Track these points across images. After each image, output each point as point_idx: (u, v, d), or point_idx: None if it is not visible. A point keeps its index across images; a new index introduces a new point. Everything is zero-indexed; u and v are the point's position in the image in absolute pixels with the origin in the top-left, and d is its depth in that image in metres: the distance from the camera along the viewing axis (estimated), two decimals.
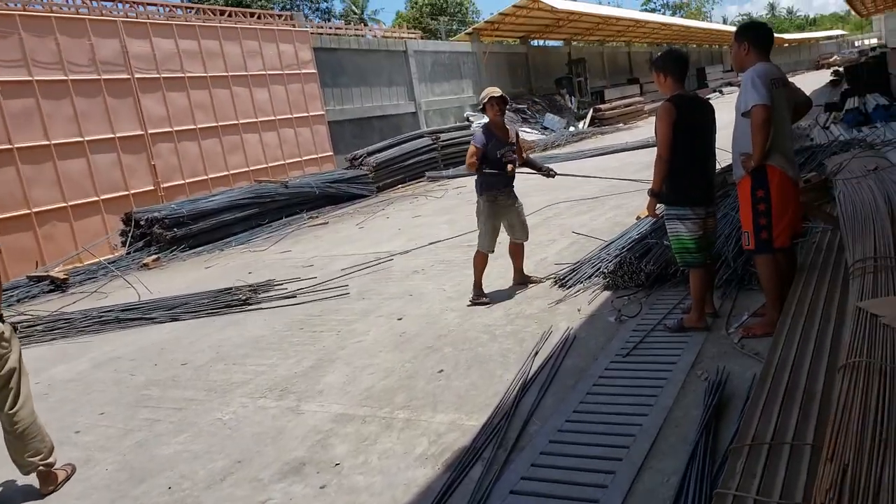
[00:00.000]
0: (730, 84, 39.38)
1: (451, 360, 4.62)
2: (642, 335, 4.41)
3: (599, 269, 5.93)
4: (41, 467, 3.64)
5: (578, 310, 5.21)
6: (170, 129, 13.63)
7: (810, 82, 31.60)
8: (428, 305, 5.99)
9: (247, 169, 15.10)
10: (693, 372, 3.76)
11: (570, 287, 5.79)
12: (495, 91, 5.71)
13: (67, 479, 3.76)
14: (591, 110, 26.11)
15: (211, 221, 11.83)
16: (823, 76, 33.96)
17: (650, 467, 2.92)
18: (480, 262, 5.92)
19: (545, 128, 24.23)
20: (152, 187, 13.19)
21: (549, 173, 6.05)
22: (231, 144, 14.97)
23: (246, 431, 4.04)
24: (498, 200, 5.87)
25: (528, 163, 6.10)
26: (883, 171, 5.79)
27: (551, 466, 3.07)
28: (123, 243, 11.44)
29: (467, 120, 22.45)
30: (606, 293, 5.47)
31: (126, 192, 12.63)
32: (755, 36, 4.01)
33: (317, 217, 13.04)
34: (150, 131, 13.19)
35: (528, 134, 22.41)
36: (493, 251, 5.97)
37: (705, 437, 2.94)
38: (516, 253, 6.18)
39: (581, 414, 3.52)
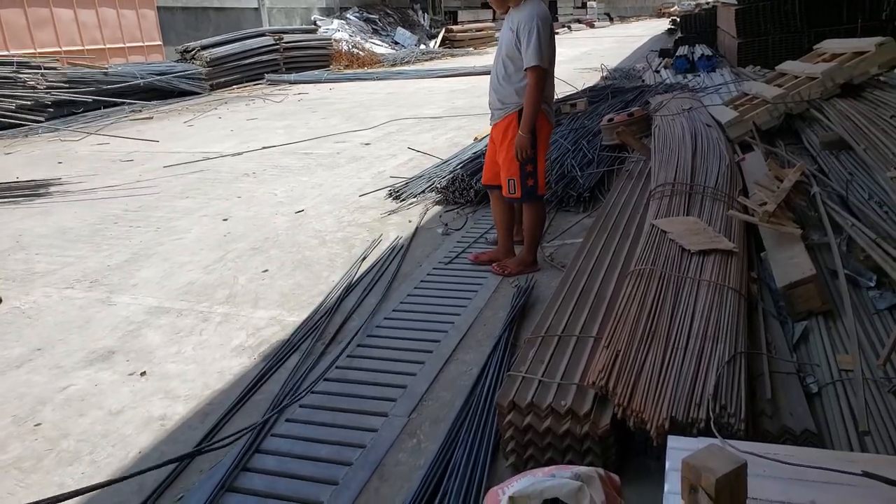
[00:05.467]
0: (578, 21, 40.68)
1: (277, 261, 4.58)
2: (465, 246, 4.62)
3: (433, 184, 6.07)
4: None
5: (409, 221, 5.32)
6: None
7: (650, 28, 33.45)
8: (257, 209, 5.84)
9: (58, 49, 13.42)
10: (505, 280, 4.01)
11: (403, 200, 5.89)
12: None
13: None
14: (444, 30, 25.94)
15: (14, 102, 10.50)
16: (663, 24, 35.99)
17: (456, 359, 3.13)
18: None
19: (396, 42, 23.78)
20: None
21: None
22: (38, 18, 13.15)
23: (48, 320, 3.81)
24: None
25: None
26: (695, 110, 6.34)
27: (366, 357, 3.20)
28: None
29: (314, 24, 21.48)
30: (437, 207, 5.62)
31: None
32: None
33: (140, 111, 12.06)
34: None
35: (378, 47, 21.92)
36: None
37: (508, 333, 3.19)
38: None
39: (400, 312, 3.67)
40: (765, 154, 4.80)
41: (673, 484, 1.55)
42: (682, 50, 13.70)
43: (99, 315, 3.85)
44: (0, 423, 2.85)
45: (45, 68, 11.60)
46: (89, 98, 11.70)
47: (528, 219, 4.08)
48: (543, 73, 3.66)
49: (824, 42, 6.60)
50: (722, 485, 1.37)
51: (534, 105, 3.68)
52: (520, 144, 3.77)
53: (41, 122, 10.70)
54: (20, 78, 10.91)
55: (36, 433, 2.77)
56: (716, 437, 1.75)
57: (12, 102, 10.47)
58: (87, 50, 14.03)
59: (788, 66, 6.55)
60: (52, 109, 11.13)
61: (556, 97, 8.91)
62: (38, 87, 11.00)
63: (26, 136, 10.11)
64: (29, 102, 10.74)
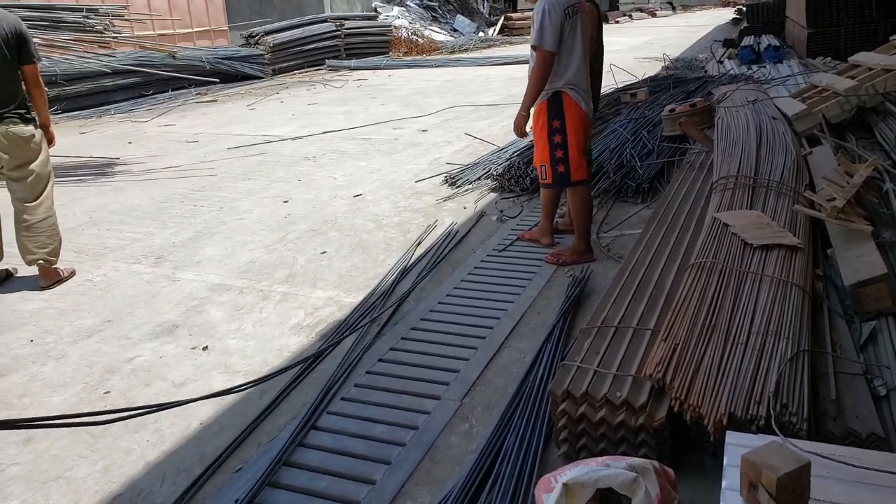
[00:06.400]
0: (640, 10, 39.80)
1: (335, 243, 4.66)
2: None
3: (489, 171, 6.06)
4: (41, 262, 4.03)
5: (465, 207, 5.33)
6: None
7: (714, 18, 32.51)
8: (317, 192, 5.94)
9: (131, 34, 13.92)
10: (560, 269, 3.99)
11: (459, 186, 5.90)
12: None
13: (64, 279, 4.15)
14: (502, 18, 25.74)
15: (88, 85, 11.02)
16: (727, 13, 34.94)
17: (509, 346, 3.14)
18: None
19: (455, 30, 23.71)
20: None
21: None
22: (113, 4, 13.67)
23: (117, 293, 3.99)
24: None
25: None
26: (760, 102, 6.16)
27: (420, 340, 3.24)
28: None
29: (375, 10, 21.58)
30: (493, 195, 5.62)
31: None
32: None
33: (206, 93, 12.39)
34: None
35: (437, 34, 21.90)
36: None
37: (562, 322, 3.18)
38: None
39: (453, 298, 3.69)
40: (834, 148, 4.64)
41: (731, 480, 1.53)
42: (748, 40, 13.25)
43: (164, 290, 4.00)
44: (72, 390, 2.99)
45: (113, 16, 12.01)
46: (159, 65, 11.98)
47: (573, 206, 4.09)
48: (548, 55, 3.70)
49: None
50: (784, 483, 1.35)
51: (532, 84, 3.77)
52: (515, 122, 3.91)
53: (108, 72, 11.06)
54: (88, 23, 11.31)
55: (105, 400, 2.90)
56: (776, 434, 1.72)
57: (79, 45, 10.87)
58: (158, 35, 14.47)
59: (862, 57, 6.28)
60: (117, 56, 11.47)
61: (616, 86, 8.82)
62: (106, 31, 11.38)
63: (100, 116, 10.54)
64: (95, 46, 11.12)
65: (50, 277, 4.10)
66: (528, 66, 4.05)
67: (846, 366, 2.36)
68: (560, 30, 3.68)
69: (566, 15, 3.70)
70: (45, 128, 4.11)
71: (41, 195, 4.04)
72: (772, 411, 1.94)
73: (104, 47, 11.36)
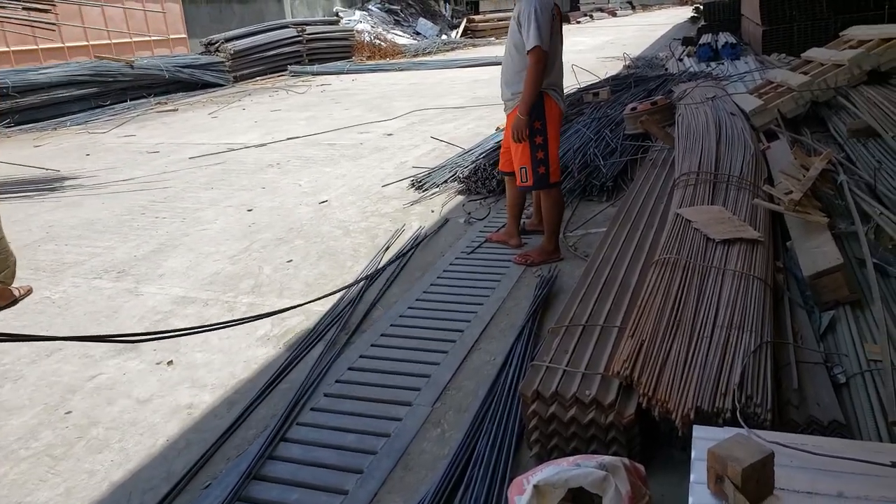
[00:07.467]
0: (600, 10, 40.25)
1: (302, 251, 4.62)
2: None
3: (455, 174, 6.07)
4: None
5: (432, 211, 5.33)
6: None
7: (673, 16, 33.01)
8: (281, 199, 5.89)
9: (86, 43, 13.60)
10: (528, 270, 4.00)
11: (426, 190, 5.89)
12: None
13: (20, 298, 4.03)
14: (465, 20, 25.85)
15: (42, 97, 10.77)
16: (686, 12, 35.57)
17: (480, 348, 3.15)
18: None
19: (418, 33, 23.73)
20: None
21: None
22: (66, 12, 13.32)
23: (77, 310, 3.89)
24: None
25: None
26: (719, 99, 6.26)
27: (390, 347, 3.22)
28: None
29: (337, 15, 21.51)
30: (460, 197, 5.63)
31: None
32: None
33: (165, 103, 12.21)
34: None
35: (400, 38, 21.90)
36: None
37: (531, 323, 3.20)
38: None
39: (423, 302, 3.68)
40: (790, 142, 4.73)
41: (699, 473, 1.55)
42: (706, 38, 13.51)
43: (127, 305, 3.91)
44: (31, 412, 2.91)
45: None
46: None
47: (545, 207, 4.09)
48: (544, 55, 3.68)
49: (851, 28, 6.48)
50: (748, 474, 1.37)
51: (532, 86, 3.71)
52: (516, 126, 3.82)
53: (53, 26, 10.70)
54: None
55: (66, 421, 2.83)
56: (742, 426, 1.74)
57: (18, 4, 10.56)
58: (114, 44, 14.18)
59: (814, 53, 6.43)
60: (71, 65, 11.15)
61: (579, 86, 8.91)
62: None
63: (55, 128, 10.30)
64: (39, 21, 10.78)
65: (5, 298, 3.97)
66: (501, 67, 4.03)
67: (807, 355, 2.40)
68: (550, 29, 3.70)
69: (552, 16, 3.73)
70: None
71: None
72: (737, 403, 1.97)
73: (45, 16, 10.92)
